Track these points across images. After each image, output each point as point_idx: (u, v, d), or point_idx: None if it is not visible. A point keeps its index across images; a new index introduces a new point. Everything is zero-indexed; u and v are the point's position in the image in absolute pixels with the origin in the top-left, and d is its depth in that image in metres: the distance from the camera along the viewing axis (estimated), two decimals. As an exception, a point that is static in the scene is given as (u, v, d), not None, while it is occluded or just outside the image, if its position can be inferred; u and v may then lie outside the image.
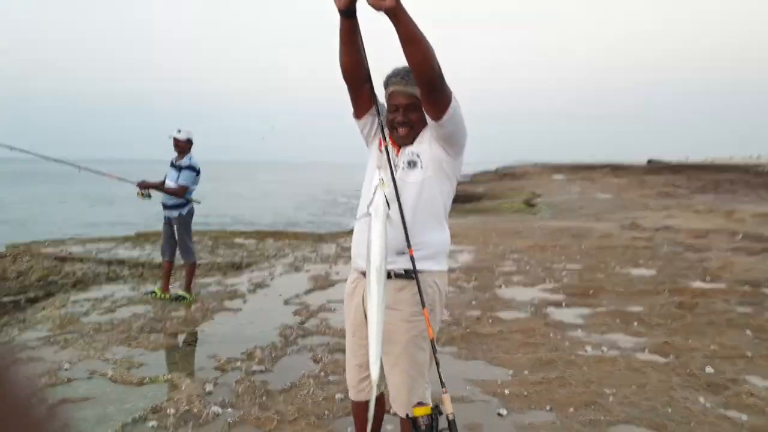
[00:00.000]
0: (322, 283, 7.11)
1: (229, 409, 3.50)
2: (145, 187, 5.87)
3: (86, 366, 4.22)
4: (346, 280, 7.60)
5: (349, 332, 2.56)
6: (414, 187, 2.31)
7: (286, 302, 6.15)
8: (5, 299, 7.66)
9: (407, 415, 2.28)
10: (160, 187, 5.98)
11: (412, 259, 2.22)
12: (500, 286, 6.84)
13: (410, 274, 2.25)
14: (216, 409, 3.48)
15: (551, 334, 4.89)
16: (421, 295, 2.20)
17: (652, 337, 4.83)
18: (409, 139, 2.36)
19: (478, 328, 5.10)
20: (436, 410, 2.31)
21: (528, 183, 38.51)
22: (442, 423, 2.24)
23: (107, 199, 26.54)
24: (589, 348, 4.55)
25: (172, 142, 6.03)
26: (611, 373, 4.02)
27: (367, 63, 2.29)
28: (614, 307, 5.77)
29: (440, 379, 2.19)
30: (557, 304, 5.94)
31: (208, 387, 3.83)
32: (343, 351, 4.47)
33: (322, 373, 4.05)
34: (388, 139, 2.41)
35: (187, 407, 3.51)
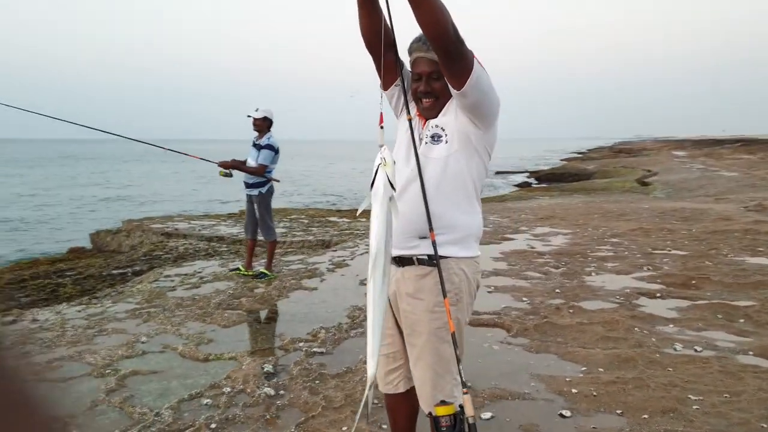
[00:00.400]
0: (402, 264, 6.99)
1: (281, 391, 3.50)
2: (226, 166, 6.03)
3: (161, 340, 4.42)
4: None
5: None
6: (437, 164, 2.10)
7: (362, 282, 6.11)
8: (114, 271, 8.33)
9: (429, 414, 2.11)
10: (240, 166, 6.13)
11: (433, 244, 2.03)
12: (590, 273, 6.36)
13: (434, 261, 2.07)
14: (268, 390, 3.49)
15: (636, 328, 4.44)
16: (442, 284, 2.01)
17: (760, 337, 4.25)
18: (435, 111, 2.16)
19: (555, 319, 4.75)
20: (462, 411, 2.12)
21: (644, 160, 36.01)
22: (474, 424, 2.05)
23: (217, 178, 28.18)
24: (678, 346, 4.08)
25: (251, 121, 6.15)
26: (700, 377, 3.56)
27: (391, 28, 2.10)
28: (718, 300, 5.15)
29: (461, 377, 2.00)
30: (650, 295, 5.41)
31: (267, 367, 3.86)
32: (407, 336, 4.36)
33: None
34: (414, 112, 2.22)
35: (242, 386, 3.56)
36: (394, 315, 2.28)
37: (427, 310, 2.12)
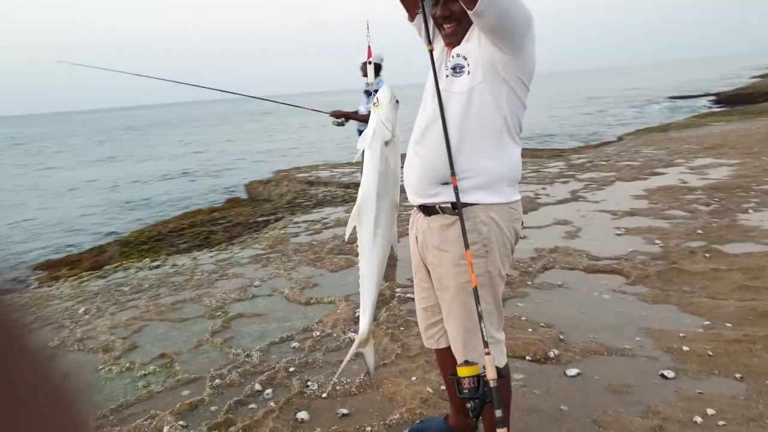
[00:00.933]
0: (525, 206, 6.58)
1: (365, 337, 3.51)
2: (337, 116, 6.06)
3: (272, 284, 4.67)
4: (556, 201, 6.95)
5: (413, 271, 2.27)
6: (460, 99, 1.86)
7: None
8: (259, 219, 8.97)
9: (453, 374, 1.94)
10: (351, 114, 6.11)
11: (455, 189, 1.82)
12: (747, 210, 5.44)
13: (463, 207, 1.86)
14: (353, 335, 3.52)
15: (787, 276, 3.72)
16: (464, 234, 1.81)
17: None
18: (458, 37, 1.90)
19: (686, 264, 4.15)
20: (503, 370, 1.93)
21: None
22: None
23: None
24: (840, 298, 3.34)
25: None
26: None
27: None
28: None
29: (483, 336, 1.80)
30: (821, 235, 4.48)
31: (358, 312, 3.89)
32: (507, 284, 4.11)
33: (471, 307, 3.77)
34: (443, 43, 1.97)
35: (330, 331, 3.64)
36: (426, 268, 2.12)
37: (452, 263, 1.93)
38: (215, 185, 13.93)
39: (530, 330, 3.37)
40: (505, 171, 1.89)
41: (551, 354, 3.06)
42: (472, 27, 1.86)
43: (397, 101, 1.84)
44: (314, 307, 4.13)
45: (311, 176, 11.54)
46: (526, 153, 13.11)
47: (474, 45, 1.85)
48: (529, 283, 4.13)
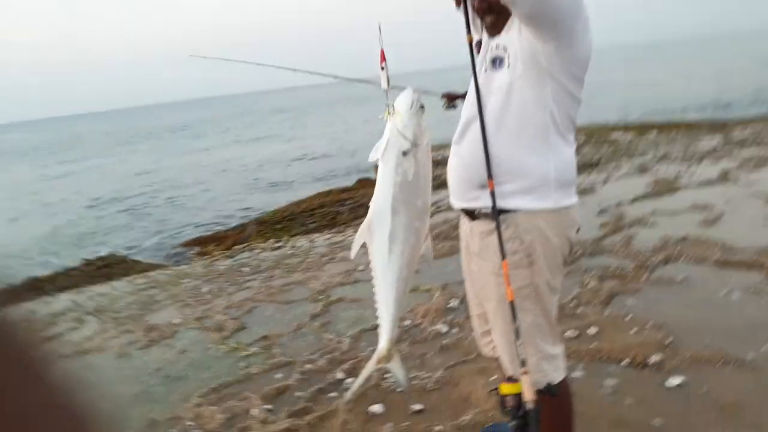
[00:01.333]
0: (660, 188, 5.97)
1: (454, 329, 3.42)
2: (450, 98, 5.90)
3: (376, 269, 4.72)
4: (699, 183, 6.32)
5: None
6: (499, 95, 1.70)
7: (601, 211, 5.43)
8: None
9: (496, 390, 1.81)
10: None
11: (492, 194, 1.67)
12: None
13: (503, 213, 1.71)
14: (441, 327, 3.46)
15: None
16: (501, 243, 1.66)
17: None
18: (499, 29, 1.72)
19: None
20: (549, 388, 1.77)
21: None
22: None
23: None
24: None
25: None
26: None
27: None
28: None
29: (517, 354, 1.65)
30: None
31: (453, 303, 3.81)
32: (619, 278, 3.79)
33: (572, 304, 3.50)
34: (484, 32, 1.82)
35: (420, 321, 3.59)
36: None
37: (493, 272, 1.78)
38: (349, 165, 14.40)
39: (634, 331, 3.06)
40: (551, 173, 1.70)
41: (652, 360, 2.75)
42: (513, 16, 1.69)
43: (422, 106, 1.68)
44: (410, 295, 4.02)
45: (438, 156, 11.44)
46: (681, 127, 11.88)
47: (514, 35, 1.67)
48: (644, 278, 3.74)
